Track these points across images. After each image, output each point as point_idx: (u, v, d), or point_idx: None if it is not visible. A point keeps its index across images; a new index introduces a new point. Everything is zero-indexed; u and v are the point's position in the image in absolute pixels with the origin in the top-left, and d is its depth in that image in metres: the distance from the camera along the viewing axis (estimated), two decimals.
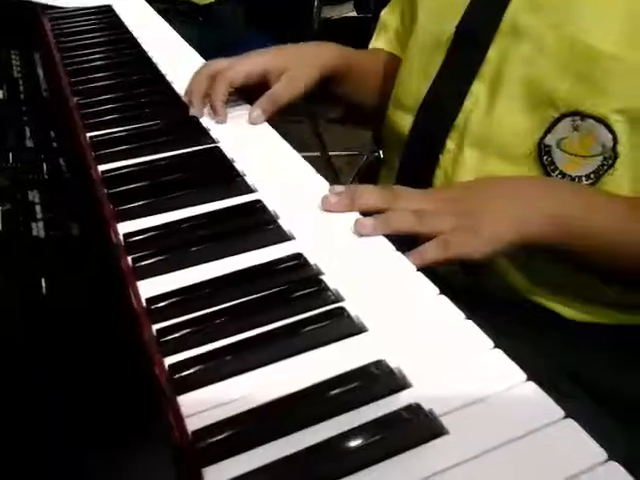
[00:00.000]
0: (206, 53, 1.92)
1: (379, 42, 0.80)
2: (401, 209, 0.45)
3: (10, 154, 0.46)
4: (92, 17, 0.96)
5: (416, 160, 0.66)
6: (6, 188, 0.42)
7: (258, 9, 2.03)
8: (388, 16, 0.79)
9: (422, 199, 0.47)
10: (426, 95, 0.63)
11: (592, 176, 0.53)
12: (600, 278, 0.55)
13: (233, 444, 0.27)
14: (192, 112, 0.62)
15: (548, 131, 0.54)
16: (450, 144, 0.61)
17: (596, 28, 0.50)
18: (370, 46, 0.81)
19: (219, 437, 0.27)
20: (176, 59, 0.79)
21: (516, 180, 0.54)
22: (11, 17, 0.92)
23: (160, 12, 1.81)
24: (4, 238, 0.38)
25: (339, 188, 0.48)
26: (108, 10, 1.00)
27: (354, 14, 3.09)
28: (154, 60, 0.77)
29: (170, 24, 1.78)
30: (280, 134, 0.60)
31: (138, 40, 0.85)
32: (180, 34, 1.87)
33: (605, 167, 0.52)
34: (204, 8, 1.83)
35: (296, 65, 0.64)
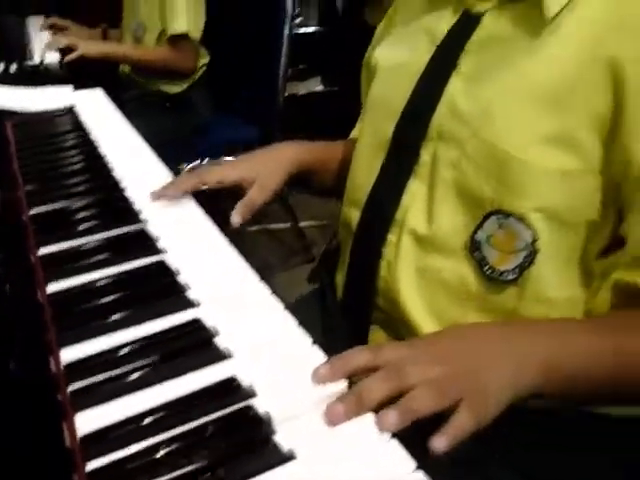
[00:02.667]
0: (178, 139, 1.99)
1: (356, 131, 0.86)
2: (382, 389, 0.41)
3: None
4: (53, 121, 1.00)
5: (362, 251, 0.69)
6: None
7: (225, 93, 2.10)
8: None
9: (416, 372, 0.42)
10: (370, 191, 0.68)
11: (516, 270, 0.56)
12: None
13: None
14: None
15: (478, 228, 0.58)
16: (391, 237, 0.64)
17: (508, 134, 0.55)
18: (351, 135, 0.87)
19: None
20: (132, 163, 0.82)
21: (494, 331, 0.51)
22: None
23: (131, 101, 1.89)
24: None
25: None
26: (70, 112, 1.04)
27: (321, 88, 3.22)
28: (110, 166, 0.80)
29: (141, 112, 1.85)
30: None
31: (97, 144, 0.88)
32: (149, 122, 1.93)
33: (527, 262, 0.55)
34: (173, 97, 1.90)
35: (265, 172, 0.72)
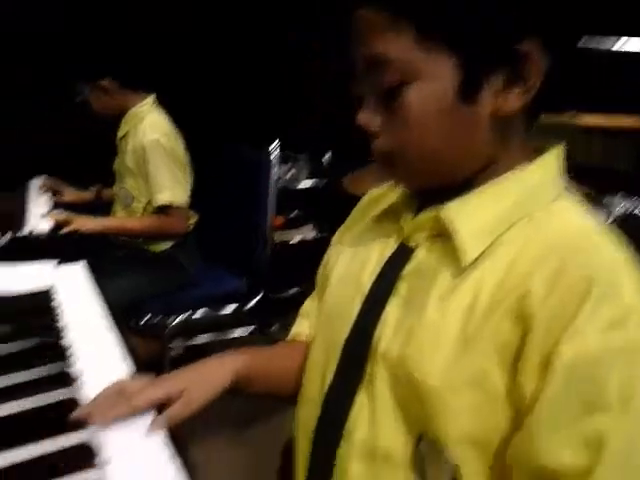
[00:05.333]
0: (164, 293, 2.02)
1: (302, 327, 0.86)
2: None
3: None
4: (28, 305, 1.02)
5: (318, 465, 0.69)
6: None
7: (212, 246, 2.17)
8: (309, 305, 0.87)
9: None
10: (323, 401, 0.69)
11: None
12: None
13: None
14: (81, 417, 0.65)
15: (417, 444, 0.58)
16: (341, 452, 0.65)
17: (424, 364, 0.57)
18: (291, 333, 0.88)
19: None
20: (96, 356, 0.83)
21: None
22: None
23: (119, 260, 1.95)
24: None
25: None
26: (45, 294, 1.07)
27: (314, 234, 3.33)
28: (70, 359, 0.81)
29: (127, 269, 1.90)
30: None
31: (63, 333, 0.90)
32: (138, 279, 1.97)
33: None
34: (159, 254, 1.97)
35: (195, 385, 0.69)
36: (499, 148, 0.60)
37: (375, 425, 0.61)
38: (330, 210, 2.63)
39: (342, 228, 0.84)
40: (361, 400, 0.64)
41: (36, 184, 2.27)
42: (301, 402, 0.75)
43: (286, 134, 2.30)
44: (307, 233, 3.36)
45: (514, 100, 0.56)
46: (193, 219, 2.05)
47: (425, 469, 0.57)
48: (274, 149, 2.10)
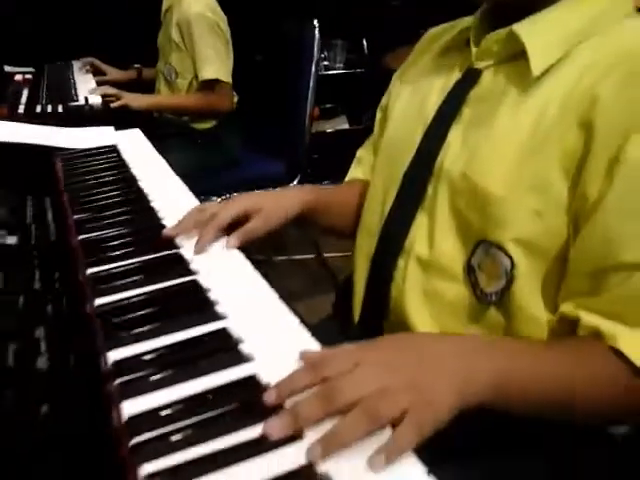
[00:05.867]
0: (207, 172, 2.10)
1: (357, 173, 0.94)
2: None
3: (20, 297, 0.56)
4: (98, 157, 1.10)
5: (377, 275, 0.77)
6: (16, 327, 0.51)
7: (253, 130, 2.21)
8: (363, 152, 0.95)
9: (354, 391, 0.44)
10: (384, 223, 0.76)
11: (499, 293, 0.62)
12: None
13: None
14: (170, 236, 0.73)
15: (472, 255, 0.65)
16: (401, 262, 0.72)
17: (489, 175, 0.63)
18: (347, 177, 0.95)
19: None
20: (167, 195, 0.91)
21: (447, 346, 0.52)
22: (26, 162, 1.06)
23: (164, 137, 2.01)
24: (13, 371, 0.47)
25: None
26: (112, 150, 1.15)
27: (347, 126, 3.34)
28: (149, 198, 0.89)
29: (174, 148, 1.96)
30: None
31: (136, 179, 0.98)
32: (182, 157, 2.05)
33: (507, 287, 0.62)
34: (203, 132, 2.02)
35: (271, 206, 0.77)
36: None
37: (433, 241, 0.69)
38: (367, 97, 2.63)
39: (403, 66, 0.88)
40: (420, 220, 0.71)
41: (78, 63, 2.30)
42: (361, 232, 0.82)
43: (322, 17, 2.26)
44: (341, 124, 3.37)
45: None
46: (235, 99, 2.07)
47: (477, 278, 0.64)
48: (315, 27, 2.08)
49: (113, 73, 2.28)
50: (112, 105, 1.73)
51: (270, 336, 0.55)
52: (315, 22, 2.06)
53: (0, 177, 0.94)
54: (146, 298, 0.61)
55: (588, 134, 0.57)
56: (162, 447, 0.42)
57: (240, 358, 0.51)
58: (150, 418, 0.45)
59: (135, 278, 0.65)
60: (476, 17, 0.73)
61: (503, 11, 0.67)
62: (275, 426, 0.43)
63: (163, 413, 0.45)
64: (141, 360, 0.51)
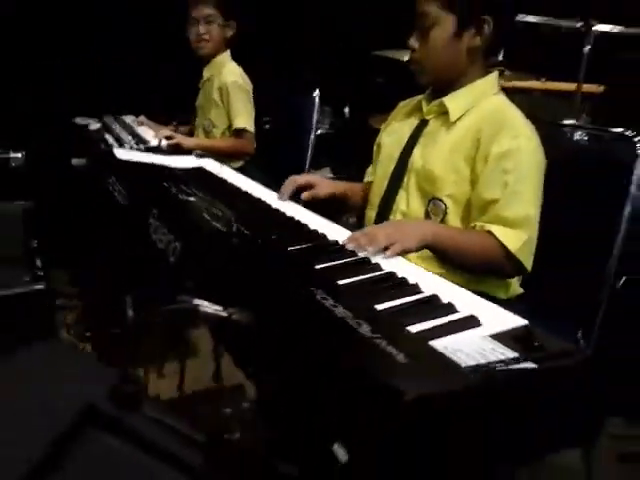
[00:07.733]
0: None
1: (367, 178, 1.64)
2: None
3: None
4: (199, 177, 1.74)
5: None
6: None
7: (269, 171, 2.84)
8: (369, 169, 1.64)
9: (383, 234, 1.07)
10: (381, 199, 1.45)
11: (439, 220, 1.32)
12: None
13: None
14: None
15: (427, 207, 1.34)
16: (391, 217, 1.40)
17: (434, 166, 1.33)
18: (364, 179, 1.65)
19: None
20: (254, 190, 1.56)
21: (414, 221, 1.31)
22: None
23: None
24: None
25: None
26: (201, 168, 1.79)
27: (331, 175, 4.02)
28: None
29: None
30: None
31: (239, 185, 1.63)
32: None
33: (443, 219, 1.32)
34: (235, 169, 2.61)
35: (325, 183, 1.50)
36: (469, 67, 1.34)
37: (409, 203, 1.38)
38: (349, 152, 3.32)
39: (386, 123, 1.60)
40: (401, 193, 1.40)
41: (129, 119, 2.95)
42: (368, 206, 1.51)
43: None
44: (326, 174, 4.06)
45: (478, 42, 1.31)
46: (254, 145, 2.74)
47: (431, 217, 1.32)
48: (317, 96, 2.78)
49: (155, 127, 2.93)
50: (169, 142, 2.36)
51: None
52: (317, 92, 2.77)
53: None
54: None
55: (477, 146, 1.28)
56: None
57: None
58: None
59: None
60: (426, 93, 1.45)
61: (439, 90, 1.39)
62: (359, 237, 1.08)
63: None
64: None
